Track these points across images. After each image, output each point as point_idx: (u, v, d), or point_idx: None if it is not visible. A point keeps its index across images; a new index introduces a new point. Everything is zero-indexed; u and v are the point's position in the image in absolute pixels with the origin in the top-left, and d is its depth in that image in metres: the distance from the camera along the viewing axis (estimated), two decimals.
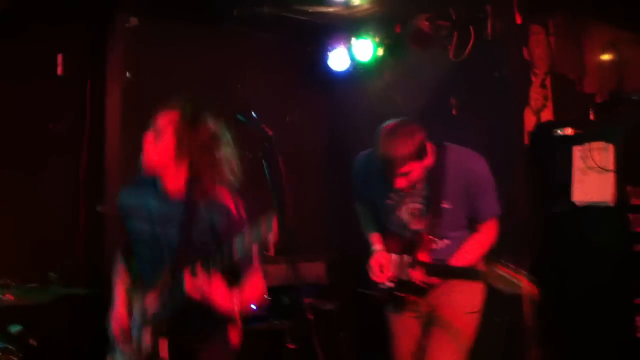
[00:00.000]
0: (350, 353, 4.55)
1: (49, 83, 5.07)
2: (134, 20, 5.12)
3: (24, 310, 3.98)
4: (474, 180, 3.37)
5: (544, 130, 4.68)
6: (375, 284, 3.50)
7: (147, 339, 2.70)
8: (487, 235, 3.46)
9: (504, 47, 4.65)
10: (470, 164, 3.40)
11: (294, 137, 5.47)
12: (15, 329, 3.78)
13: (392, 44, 5.27)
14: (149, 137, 2.70)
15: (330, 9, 5.15)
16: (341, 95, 5.85)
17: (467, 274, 3.30)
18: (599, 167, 4.20)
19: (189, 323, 2.68)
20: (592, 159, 4.24)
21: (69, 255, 4.74)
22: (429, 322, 3.47)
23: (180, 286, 2.53)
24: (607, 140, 4.22)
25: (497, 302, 4.43)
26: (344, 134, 5.79)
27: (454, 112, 4.89)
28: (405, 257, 3.38)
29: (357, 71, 5.54)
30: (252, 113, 2.44)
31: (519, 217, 4.48)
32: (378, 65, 5.42)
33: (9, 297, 3.64)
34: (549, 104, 4.83)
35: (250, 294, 2.66)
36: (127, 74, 5.16)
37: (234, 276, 2.61)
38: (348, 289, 4.75)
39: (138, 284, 2.87)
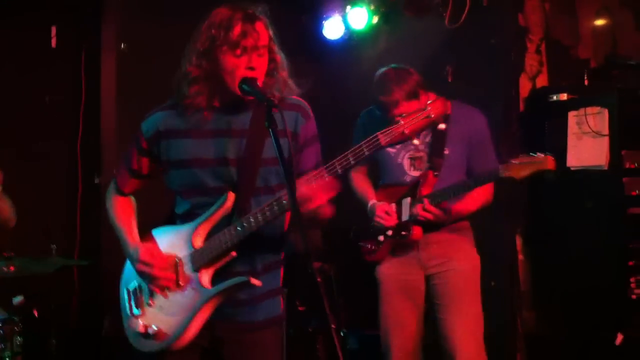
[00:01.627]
0: (347, 317, 4.62)
1: (44, 55, 5.08)
2: None
3: (26, 281, 4.03)
4: (475, 131, 3.56)
5: (539, 96, 4.71)
6: (375, 237, 3.62)
7: (184, 273, 2.39)
8: (484, 189, 3.55)
9: (499, 13, 4.65)
10: (475, 118, 3.61)
11: None
12: (17, 299, 3.81)
13: (387, 11, 5.24)
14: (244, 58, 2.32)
15: None
16: (336, 64, 5.83)
17: (482, 179, 3.43)
18: (593, 131, 4.23)
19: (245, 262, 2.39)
20: (587, 124, 4.27)
21: (68, 226, 4.77)
22: (434, 288, 3.56)
23: (279, 202, 2.26)
24: (602, 105, 4.25)
25: (491, 266, 4.53)
26: (339, 102, 5.79)
27: (449, 79, 4.89)
28: (408, 199, 3.52)
29: (352, 39, 5.52)
30: (256, 81, 2.30)
31: (513, 182, 4.52)
32: (373, 33, 5.40)
33: (11, 268, 3.68)
34: (544, 69, 4.85)
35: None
36: (122, 45, 5.13)
37: None
38: (343, 255, 4.80)
39: (176, 219, 2.51)
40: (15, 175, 4.79)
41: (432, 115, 2.27)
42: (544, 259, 4.56)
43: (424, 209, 3.41)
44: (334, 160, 2.27)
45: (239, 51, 2.30)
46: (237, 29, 2.29)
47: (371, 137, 2.30)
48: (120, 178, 2.59)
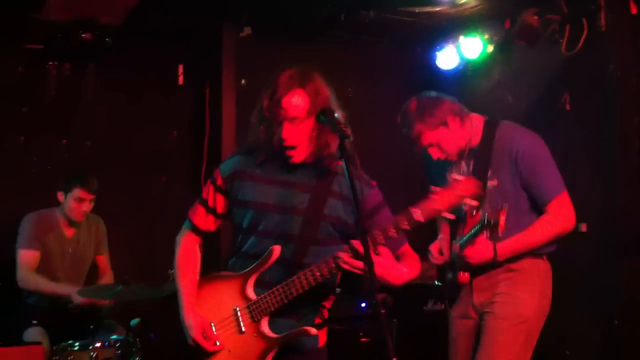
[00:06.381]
0: None
1: (172, 92, 5.44)
2: (247, 30, 5.34)
3: (144, 305, 4.28)
4: (521, 157, 3.13)
5: None
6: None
7: (246, 322, 2.57)
8: (553, 216, 3.13)
9: (618, 38, 4.43)
10: (516, 140, 3.17)
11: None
12: (134, 322, 4.05)
13: (501, 40, 5.16)
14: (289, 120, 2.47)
15: (437, 9, 5.12)
16: (451, 95, 5.75)
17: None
18: None
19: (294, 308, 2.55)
20: None
21: None
22: (479, 333, 3.27)
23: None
24: None
25: (613, 305, 4.29)
26: None
27: (567, 107, 4.73)
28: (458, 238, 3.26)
29: (467, 69, 5.47)
30: (335, 114, 2.42)
31: (635, 222, 4.27)
32: (487, 62, 5.33)
33: (129, 292, 3.91)
34: None
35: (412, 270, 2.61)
36: (242, 82, 5.41)
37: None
38: None
39: (239, 260, 2.67)
40: (141, 205, 5.16)
41: (464, 195, 2.38)
42: None
43: (458, 256, 3.19)
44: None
45: (272, 121, 2.50)
46: (269, 104, 2.49)
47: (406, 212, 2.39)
48: (197, 215, 2.76)
